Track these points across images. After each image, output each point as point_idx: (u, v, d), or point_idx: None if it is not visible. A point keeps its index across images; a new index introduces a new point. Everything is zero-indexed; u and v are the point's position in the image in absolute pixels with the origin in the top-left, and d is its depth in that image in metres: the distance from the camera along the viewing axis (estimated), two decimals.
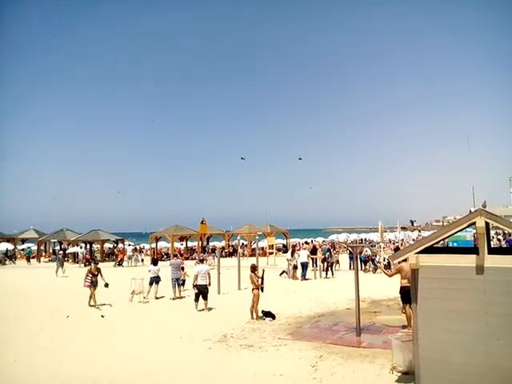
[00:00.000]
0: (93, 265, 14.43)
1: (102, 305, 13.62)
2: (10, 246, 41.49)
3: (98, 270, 14.01)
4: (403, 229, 48.18)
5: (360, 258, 21.36)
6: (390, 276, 10.28)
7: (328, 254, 21.68)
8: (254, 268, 11.74)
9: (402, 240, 31.48)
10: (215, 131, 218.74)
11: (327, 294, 15.15)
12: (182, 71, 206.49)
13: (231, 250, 38.88)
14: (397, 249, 24.29)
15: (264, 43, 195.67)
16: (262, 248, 35.66)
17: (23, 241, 44.84)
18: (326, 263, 21.08)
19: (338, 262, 22.61)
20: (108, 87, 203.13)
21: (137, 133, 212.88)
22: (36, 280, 23.15)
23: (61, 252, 31.87)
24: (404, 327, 9.43)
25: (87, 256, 33.35)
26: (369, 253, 22.85)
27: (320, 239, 47.87)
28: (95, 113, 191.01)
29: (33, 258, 37.86)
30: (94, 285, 13.70)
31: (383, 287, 14.68)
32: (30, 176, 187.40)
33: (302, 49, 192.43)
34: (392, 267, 14.22)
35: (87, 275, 13.77)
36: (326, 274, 20.69)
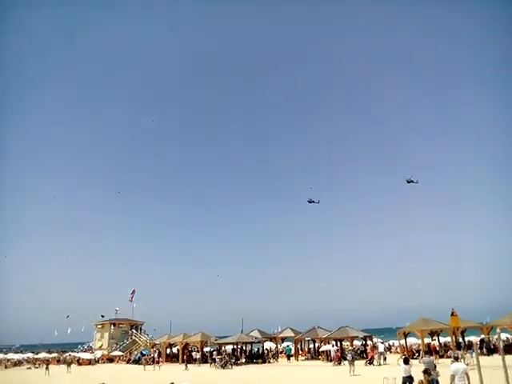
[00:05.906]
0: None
1: None
2: (273, 345, 47.11)
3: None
4: None
5: None
6: None
7: None
8: None
9: None
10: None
11: None
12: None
13: (492, 346, 33.84)
14: None
15: None
16: None
17: (283, 339, 49.84)
18: None
19: None
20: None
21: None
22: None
23: (350, 348, 33.86)
24: None
25: (338, 354, 34.89)
26: None
27: None
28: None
29: (291, 356, 41.57)
30: None
31: None
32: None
33: None
34: None
35: None
36: None
